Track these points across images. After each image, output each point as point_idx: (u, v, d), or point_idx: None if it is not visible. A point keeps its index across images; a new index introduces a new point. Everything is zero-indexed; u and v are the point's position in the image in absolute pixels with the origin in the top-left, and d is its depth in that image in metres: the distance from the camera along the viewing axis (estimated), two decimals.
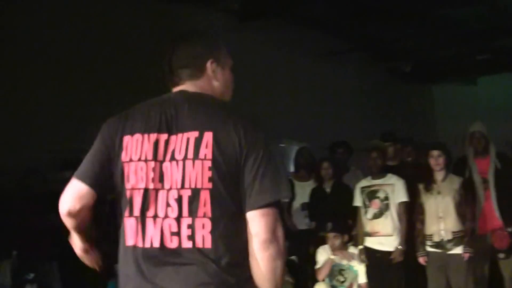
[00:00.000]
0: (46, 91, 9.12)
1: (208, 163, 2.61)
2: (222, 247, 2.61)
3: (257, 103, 12.15)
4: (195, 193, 2.62)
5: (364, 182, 7.78)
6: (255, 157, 2.64)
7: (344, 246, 7.85)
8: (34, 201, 8.30)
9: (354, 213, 7.80)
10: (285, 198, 2.65)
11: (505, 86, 16.54)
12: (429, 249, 7.26)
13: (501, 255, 7.34)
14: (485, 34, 13.24)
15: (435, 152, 7.25)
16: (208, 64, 2.89)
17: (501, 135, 9.06)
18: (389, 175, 7.64)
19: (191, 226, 2.62)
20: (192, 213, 2.62)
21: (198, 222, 2.62)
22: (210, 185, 2.61)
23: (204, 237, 2.61)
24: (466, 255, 7.03)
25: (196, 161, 2.62)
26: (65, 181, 8.46)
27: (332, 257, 7.78)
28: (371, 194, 7.60)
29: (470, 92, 17.09)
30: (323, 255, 7.93)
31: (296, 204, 8.80)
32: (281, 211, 8.45)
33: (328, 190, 8.47)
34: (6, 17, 8.75)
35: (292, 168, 9.87)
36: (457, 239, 7.10)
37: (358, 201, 7.71)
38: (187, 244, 2.62)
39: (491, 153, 7.46)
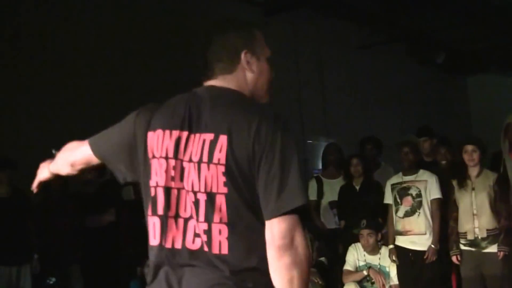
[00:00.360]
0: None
1: (222, 168, 2.52)
2: (240, 253, 2.51)
3: (285, 98, 12.03)
4: (211, 197, 2.53)
5: (395, 179, 7.59)
6: (270, 161, 2.49)
7: (377, 245, 7.63)
8: (55, 203, 8.25)
9: (384, 211, 7.63)
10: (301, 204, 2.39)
11: None
12: (463, 247, 7.07)
13: None
14: None
15: (469, 147, 7.05)
16: (243, 56, 2.76)
17: None
18: (422, 171, 7.45)
19: (207, 232, 2.53)
20: (208, 218, 2.54)
21: (215, 228, 2.52)
22: (225, 190, 2.51)
23: (221, 243, 2.51)
24: (501, 254, 6.83)
25: (211, 165, 2.54)
26: (86, 183, 8.39)
27: (365, 273, 7.61)
28: (402, 191, 7.40)
29: (506, 84, 16.80)
30: (354, 254, 7.75)
31: (325, 202, 8.67)
32: (309, 211, 8.39)
33: (357, 187, 8.26)
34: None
35: (320, 165, 9.68)
36: (492, 237, 6.91)
37: (389, 198, 7.52)
38: (205, 248, 2.53)
39: None
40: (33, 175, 3.55)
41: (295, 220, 2.48)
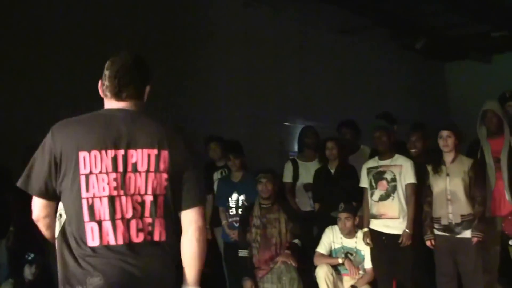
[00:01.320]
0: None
1: (165, 176, 3.37)
2: (170, 236, 3.39)
3: (264, 79, 12.00)
4: (156, 198, 3.35)
5: (371, 163, 7.59)
6: (192, 170, 3.44)
7: (354, 229, 7.64)
8: None
9: (359, 194, 7.63)
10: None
11: None
12: (437, 232, 7.11)
13: (511, 242, 7.13)
14: (501, 11, 12.94)
15: (444, 133, 7.09)
16: (147, 89, 3.54)
17: None
18: (397, 156, 7.45)
19: (151, 225, 3.34)
20: (152, 214, 3.34)
21: (157, 221, 3.35)
22: (165, 192, 3.37)
23: (161, 232, 3.36)
24: (475, 239, 6.87)
25: (157, 174, 3.35)
26: None
27: (341, 261, 7.61)
28: (378, 175, 7.42)
29: (484, 70, 16.83)
30: (329, 237, 7.76)
31: (300, 185, 8.66)
32: (284, 192, 8.40)
33: (332, 171, 8.26)
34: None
35: (296, 148, 9.69)
36: (466, 222, 6.96)
37: (364, 182, 7.53)
38: (147, 238, 3.33)
39: (506, 132, 7.21)
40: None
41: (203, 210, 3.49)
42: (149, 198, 3.32)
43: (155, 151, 3.34)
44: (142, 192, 3.32)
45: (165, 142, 3.36)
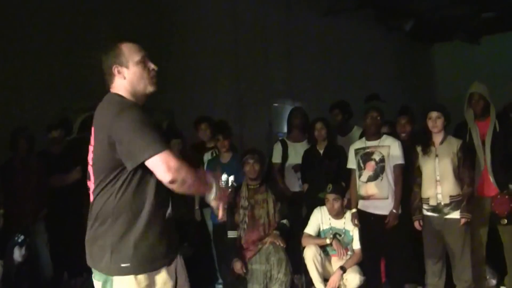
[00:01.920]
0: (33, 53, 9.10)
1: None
2: None
3: (252, 61, 11.99)
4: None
5: (359, 144, 7.59)
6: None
7: (342, 210, 7.65)
8: (21, 161, 8.21)
9: (347, 175, 7.61)
10: None
11: (509, 46, 16.30)
12: (425, 213, 7.12)
13: (503, 221, 7.14)
14: None
15: (433, 114, 7.07)
16: (113, 70, 3.78)
17: (504, 95, 8.87)
18: (384, 137, 7.45)
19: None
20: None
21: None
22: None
23: None
24: (463, 220, 6.88)
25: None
26: (52, 142, 8.43)
27: (328, 241, 7.62)
28: (366, 156, 7.41)
29: (471, 52, 16.85)
30: (318, 218, 7.77)
31: (289, 165, 8.67)
32: (272, 172, 8.39)
33: (321, 151, 8.27)
34: None
35: (285, 129, 9.69)
36: (454, 203, 6.95)
37: (352, 163, 7.52)
38: None
39: (492, 115, 7.20)
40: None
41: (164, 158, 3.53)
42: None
43: (92, 129, 3.97)
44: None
45: (96, 121, 3.93)
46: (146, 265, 3.65)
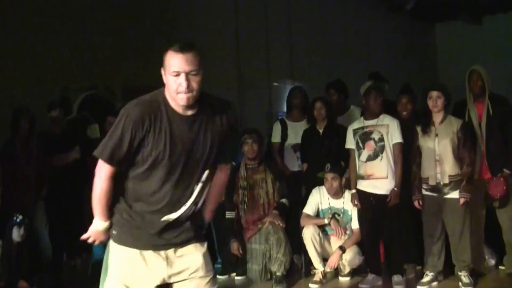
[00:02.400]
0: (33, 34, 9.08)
1: None
2: None
3: (253, 41, 11.95)
4: None
5: (357, 124, 7.53)
6: None
7: (341, 190, 7.64)
8: (22, 142, 8.19)
9: (347, 155, 7.58)
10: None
11: (511, 26, 16.23)
12: (425, 192, 7.11)
13: (496, 204, 7.15)
14: None
15: (434, 93, 7.03)
16: (161, 70, 3.75)
17: (505, 75, 8.85)
18: (382, 116, 7.37)
19: None
20: None
21: None
22: None
23: None
24: (462, 200, 6.87)
25: None
26: (52, 121, 8.42)
27: (326, 221, 7.63)
28: (364, 136, 7.35)
29: (473, 32, 16.78)
30: (316, 198, 7.76)
31: (288, 145, 8.65)
32: (270, 152, 8.38)
33: (320, 131, 8.22)
34: None
35: (285, 108, 9.65)
36: (454, 183, 6.93)
37: (350, 143, 7.47)
38: None
39: (486, 98, 7.20)
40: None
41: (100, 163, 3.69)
42: None
43: None
44: None
45: None
46: (127, 241, 3.77)
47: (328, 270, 7.58)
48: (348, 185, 7.64)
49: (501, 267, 7.62)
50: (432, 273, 7.13)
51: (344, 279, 7.65)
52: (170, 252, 3.78)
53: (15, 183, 8.06)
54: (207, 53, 11.27)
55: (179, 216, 3.70)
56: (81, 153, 8.69)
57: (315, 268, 7.59)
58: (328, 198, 7.72)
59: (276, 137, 8.67)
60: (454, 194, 6.92)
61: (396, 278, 7.22)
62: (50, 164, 8.40)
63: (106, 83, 10.51)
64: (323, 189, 7.75)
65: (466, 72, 7.29)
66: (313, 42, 13.34)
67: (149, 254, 3.75)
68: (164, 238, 3.75)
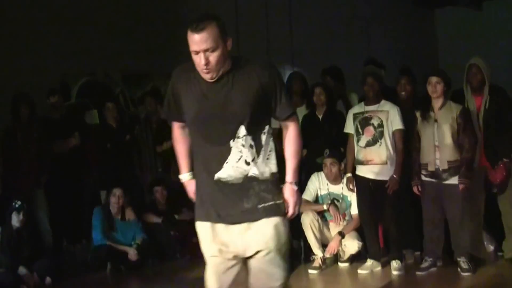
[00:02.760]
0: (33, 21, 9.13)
1: None
2: None
3: (253, 25, 11.92)
4: None
5: (357, 109, 7.52)
6: None
7: (340, 175, 7.64)
8: (22, 128, 8.21)
9: (346, 140, 7.57)
10: None
11: (511, 11, 16.18)
12: (424, 178, 7.11)
13: (495, 190, 7.15)
14: None
15: (433, 79, 7.03)
16: None
17: (505, 61, 8.82)
18: (383, 102, 7.35)
19: None
20: None
21: None
22: None
23: None
24: (461, 186, 6.86)
25: None
26: (52, 107, 8.42)
27: (325, 207, 7.68)
28: (364, 121, 7.32)
29: (473, 17, 16.73)
30: (315, 183, 7.76)
31: None
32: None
33: (320, 116, 8.19)
34: None
35: None
36: (453, 169, 6.94)
37: (350, 128, 7.44)
38: None
39: (485, 92, 7.16)
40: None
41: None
42: None
43: None
44: None
45: None
46: (199, 215, 3.96)
47: (327, 256, 7.60)
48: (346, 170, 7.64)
49: (499, 253, 7.63)
50: (431, 259, 7.16)
51: (343, 265, 7.67)
52: (235, 227, 3.86)
53: (16, 169, 8.09)
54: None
55: (229, 176, 3.81)
56: (80, 139, 8.72)
57: (314, 254, 7.61)
58: (327, 184, 7.73)
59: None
60: (453, 180, 6.92)
61: (395, 263, 7.23)
62: (50, 150, 8.41)
63: (105, 69, 10.50)
64: (322, 174, 7.76)
65: (466, 65, 7.22)
66: (313, 28, 13.31)
67: (219, 227, 3.87)
68: (228, 209, 3.86)
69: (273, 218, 3.83)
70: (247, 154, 3.80)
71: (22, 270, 7.26)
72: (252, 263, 3.90)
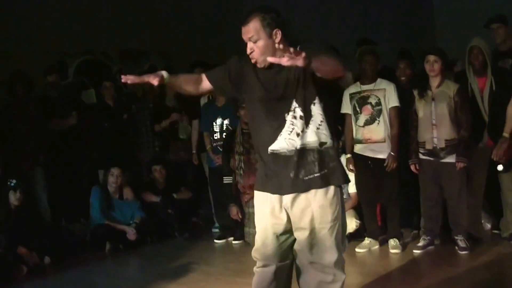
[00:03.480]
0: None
1: None
2: None
3: (250, 5, 11.86)
4: None
5: (353, 88, 7.44)
6: None
7: (338, 154, 7.62)
8: (20, 106, 8.22)
9: (343, 119, 7.54)
10: None
11: None
12: (421, 156, 7.13)
13: (500, 167, 7.11)
14: None
15: (431, 57, 7.00)
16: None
17: None
18: (379, 80, 7.31)
19: None
20: None
21: None
22: None
23: None
24: (459, 164, 6.90)
25: None
26: (49, 86, 8.43)
27: None
28: (361, 100, 7.30)
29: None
30: None
31: None
32: None
33: None
34: None
35: None
36: (450, 147, 6.95)
37: (346, 108, 7.42)
38: None
39: (488, 73, 7.12)
40: None
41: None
42: None
43: None
44: None
45: None
46: (256, 182, 4.38)
47: None
48: (344, 149, 7.63)
49: (495, 231, 7.65)
50: (428, 237, 7.18)
51: None
52: (287, 198, 4.16)
53: (14, 147, 8.09)
54: (202, 15, 11.34)
55: (281, 148, 4.11)
56: (77, 118, 8.73)
57: None
58: None
59: None
60: (451, 158, 6.94)
61: (393, 242, 7.26)
62: (48, 129, 8.42)
63: (103, 48, 10.48)
64: None
65: (467, 47, 7.19)
66: (310, 8, 13.27)
67: (273, 197, 4.21)
68: (280, 180, 4.16)
69: (322, 189, 4.13)
70: (298, 126, 4.09)
71: (21, 249, 7.27)
72: (302, 234, 4.17)
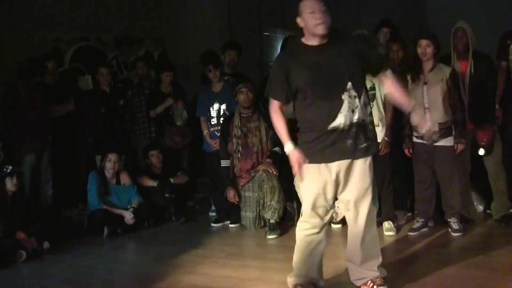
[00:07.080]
0: None
1: None
2: None
3: None
4: None
5: None
6: None
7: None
8: (21, 92, 8.26)
9: None
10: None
11: None
12: (415, 140, 7.18)
13: (481, 152, 7.21)
14: None
15: (423, 42, 7.03)
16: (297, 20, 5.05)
17: (496, 25, 8.82)
18: None
19: None
20: None
21: None
22: None
23: None
24: (458, 146, 6.98)
25: None
26: (46, 73, 8.39)
27: None
28: None
29: None
30: None
31: None
32: (260, 102, 8.41)
33: None
34: None
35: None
36: (443, 130, 6.99)
37: None
38: None
39: (469, 57, 7.20)
40: None
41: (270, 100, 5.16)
42: None
43: None
44: None
45: None
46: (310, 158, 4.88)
47: None
48: None
49: (488, 211, 7.73)
50: (422, 220, 7.24)
51: (336, 226, 7.71)
52: (335, 165, 4.87)
53: (25, 128, 8.15)
54: (196, 0, 11.35)
55: (340, 123, 4.77)
56: (74, 105, 8.78)
57: None
58: None
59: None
60: (444, 142, 6.99)
61: (387, 224, 7.32)
62: (49, 114, 8.50)
63: (98, 34, 10.51)
64: None
65: (452, 29, 7.27)
66: None
67: (323, 167, 4.88)
68: (335, 149, 4.83)
69: (366, 158, 4.93)
70: (353, 103, 4.77)
71: (20, 235, 7.32)
72: (348, 195, 5.03)
